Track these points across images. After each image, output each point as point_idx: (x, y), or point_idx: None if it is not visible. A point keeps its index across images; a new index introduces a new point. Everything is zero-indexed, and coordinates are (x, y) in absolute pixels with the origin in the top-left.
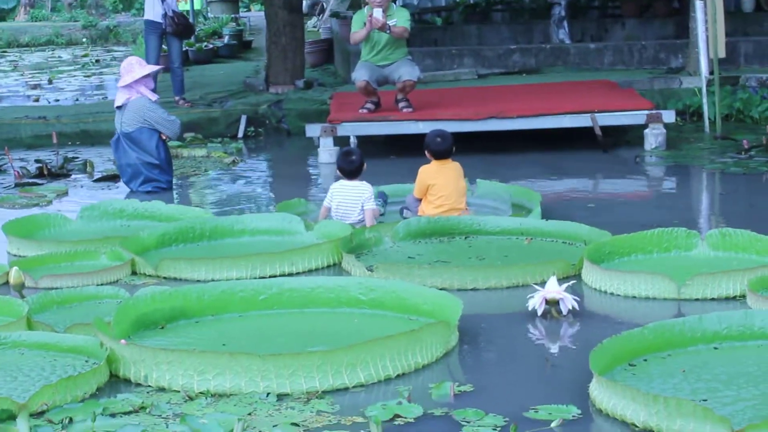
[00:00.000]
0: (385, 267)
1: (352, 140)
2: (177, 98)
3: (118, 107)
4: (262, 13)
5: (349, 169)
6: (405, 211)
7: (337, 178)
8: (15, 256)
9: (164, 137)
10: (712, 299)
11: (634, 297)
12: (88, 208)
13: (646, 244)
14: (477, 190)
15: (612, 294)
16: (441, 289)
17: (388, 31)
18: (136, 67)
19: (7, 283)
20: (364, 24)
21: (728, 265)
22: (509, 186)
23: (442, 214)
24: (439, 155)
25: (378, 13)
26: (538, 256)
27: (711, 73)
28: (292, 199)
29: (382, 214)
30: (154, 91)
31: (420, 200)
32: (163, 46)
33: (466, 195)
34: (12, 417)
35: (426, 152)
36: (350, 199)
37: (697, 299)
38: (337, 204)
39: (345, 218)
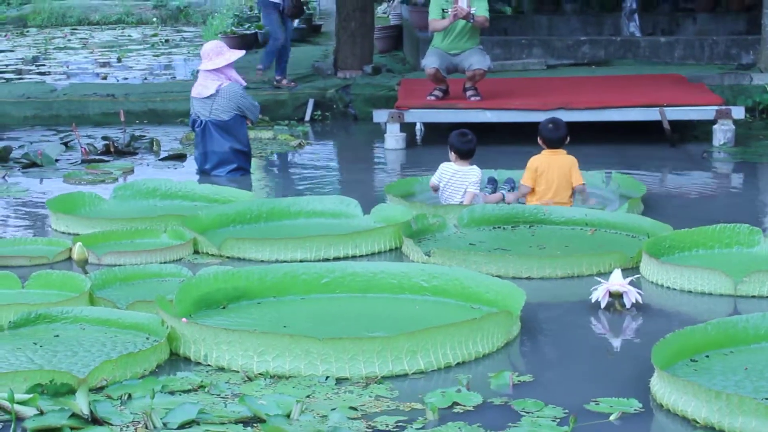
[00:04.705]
0: (442, 252)
1: (419, 127)
2: (278, 77)
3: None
4: None
5: (464, 149)
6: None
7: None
8: (62, 233)
9: (249, 123)
10: None
11: (690, 292)
12: (122, 187)
13: (707, 240)
14: (611, 182)
15: (669, 288)
16: (495, 277)
17: (471, 21)
18: (225, 50)
19: (69, 258)
20: (443, 11)
21: None
22: (625, 176)
23: (542, 203)
24: (551, 143)
25: (463, 2)
26: (599, 247)
27: None
28: (404, 178)
29: (508, 202)
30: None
31: (528, 187)
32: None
33: (571, 187)
34: (72, 391)
35: (538, 139)
36: (457, 181)
37: (753, 296)
38: (445, 184)
39: (450, 199)
